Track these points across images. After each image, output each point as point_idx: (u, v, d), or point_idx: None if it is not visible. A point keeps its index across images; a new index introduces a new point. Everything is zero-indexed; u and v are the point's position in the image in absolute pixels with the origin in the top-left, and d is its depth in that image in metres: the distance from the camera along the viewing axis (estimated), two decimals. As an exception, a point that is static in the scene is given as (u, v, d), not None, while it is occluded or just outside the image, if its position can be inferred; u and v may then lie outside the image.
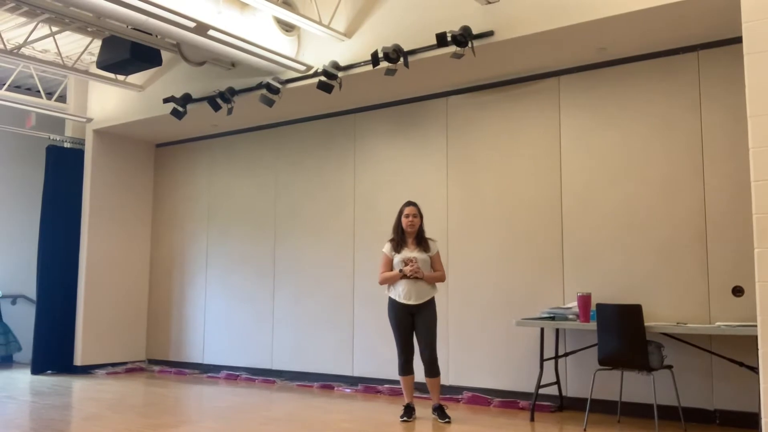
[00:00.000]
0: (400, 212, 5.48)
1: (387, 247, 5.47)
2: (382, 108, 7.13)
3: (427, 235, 5.53)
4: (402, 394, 5.57)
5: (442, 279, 5.47)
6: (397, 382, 6.49)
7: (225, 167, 8.48)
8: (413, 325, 5.34)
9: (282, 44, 6.39)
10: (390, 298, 5.40)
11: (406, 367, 5.38)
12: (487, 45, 5.46)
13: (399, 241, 5.42)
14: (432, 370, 5.28)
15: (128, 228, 8.89)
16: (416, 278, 5.28)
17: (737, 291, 5.07)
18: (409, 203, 5.51)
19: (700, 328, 4.88)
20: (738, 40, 4.61)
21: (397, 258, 5.37)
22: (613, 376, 5.34)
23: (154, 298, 9.02)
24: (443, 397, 5.69)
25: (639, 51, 5.58)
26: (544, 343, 5.56)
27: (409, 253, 5.36)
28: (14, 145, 9.63)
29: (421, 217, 5.48)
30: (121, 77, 7.84)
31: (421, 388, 5.76)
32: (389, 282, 5.40)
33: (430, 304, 5.36)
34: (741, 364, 4.86)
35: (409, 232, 5.43)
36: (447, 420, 5.20)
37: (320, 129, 7.62)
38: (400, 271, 5.31)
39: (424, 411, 5.53)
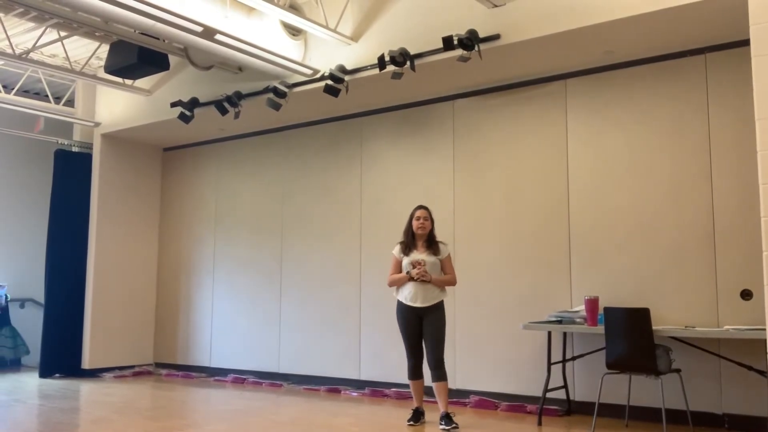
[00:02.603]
0: (411, 215, 5.45)
1: (396, 249, 5.45)
2: (389, 111, 7.14)
3: (438, 238, 5.49)
4: (410, 397, 5.54)
5: (451, 282, 5.41)
6: (404, 385, 6.48)
7: (232, 171, 8.50)
8: (421, 328, 5.30)
9: (289, 48, 6.41)
10: (398, 301, 5.37)
11: (414, 372, 5.35)
12: (494, 48, 5.46)
13: (408, 243, 5.40)
14: (437, 374, 5.17)
15: (136, 232, 8.92)
16: (424, 281, 5.26)
17: (746, 294, 5.05)
18: (420, 207, 5.49)
19: (708, 331, 4.86)
20: (746, 42, 4.59)
21: (406, 260, 5.33)
22: (621, 380, 5.31)
23: (161, 302, 9.04)
24: (450, 400, 5.65)
25: (646, 54, 5.57)
26: (552, 347, 5.54)
27: (418, 255, 5.32)
28: (23, 150, 9.68)
29: (432, 221, 5.46)
30: (128, 81, 7.88)
31: (431, 392, 5.75)
32: (397, 284, 5.38)
33: (438, 308, 5.30)
34: (750, 368, 4.83)
35: (419, 235, 5.39)
36: (454, 426, 5.07)
37: (327, 132, 7.63)
38: (408, 273, 5.29)
39: (434, 415, 5.52)
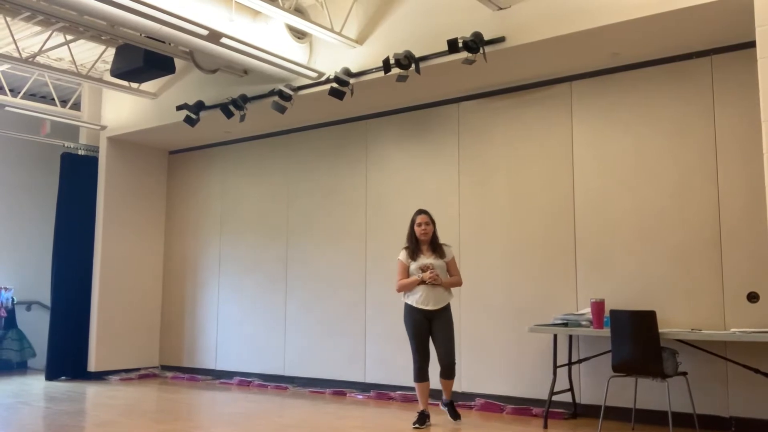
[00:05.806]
0: (413, 221, 5.51)
1: (403, 255, 5.49)
2: (394, 114, 7.14)
3: (441, 240, 5.55)
4: (416, 400, 5.56)
5: (459, 284, 5.53)
6: (409, 388, 6.48)
7: (237, 174, 8.51)
8: (430, 330, 5.38)
9: (294, 51, 6.42)
10: (406, 304, 5.42)
11: (421, 374, 5.38)
12: (499, 51, 5.46)
13: (414, 249, 5.46)
14: (449, 373, 5.36)
15: (142, 234, 8.94)
16: (434, 284, 5.31)
17: (752, 297, 5.03)
18: (420, 212, 5.54)
19: (714, 334, 4.84)
20: (752, 44, 4.59)
21: (414, 265, 5.39)
22: (627, 383, 5.30)
23: (167, 305, 9.05)
24: (456, 404, 5.67)
25: (652, 56, 5.56)
26: (558, 350, 5.53)
27: (425, 260, 5.39)
28: (29, 153, 9.72)
29: (434, 223, 5.51)
30: (134, 85, 7.91)
31: (435, 395, 5.74)
32: (407, 289, 5.41)
33: (447, 310, 5.41)
34: (756, 371, 4.81)
35: (423, 240, 5.46)
36: (458, 418, 5.43)
37: (332, 135, 7.64)
38: (420, 277, 5.33)
39: (439, 418, 5.52)
